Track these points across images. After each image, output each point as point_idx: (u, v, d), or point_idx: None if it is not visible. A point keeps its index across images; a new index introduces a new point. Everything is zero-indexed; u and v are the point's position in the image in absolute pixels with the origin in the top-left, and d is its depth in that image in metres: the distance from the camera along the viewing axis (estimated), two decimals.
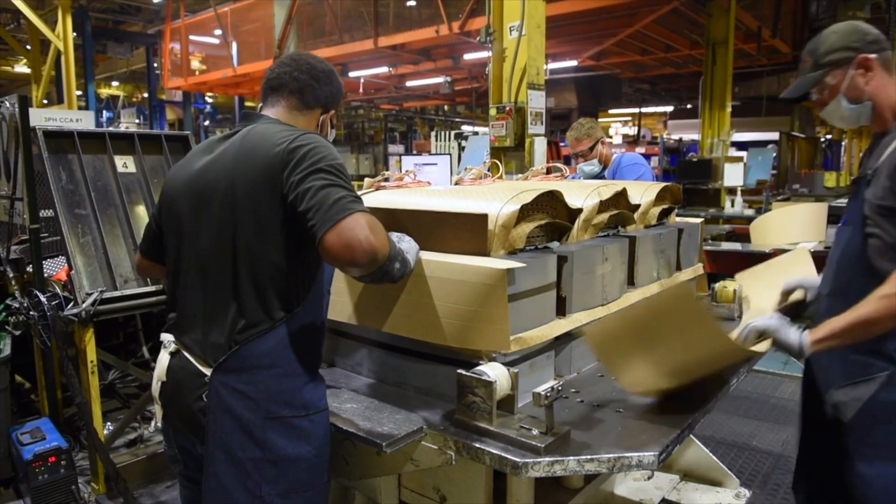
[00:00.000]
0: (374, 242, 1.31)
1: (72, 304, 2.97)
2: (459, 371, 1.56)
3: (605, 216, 2.18)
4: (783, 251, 5.43)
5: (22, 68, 16.15)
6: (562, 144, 11.83)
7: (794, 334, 1.67)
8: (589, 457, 1.43)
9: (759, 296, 2.27)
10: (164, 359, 1.59)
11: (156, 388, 1.61)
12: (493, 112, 4.79)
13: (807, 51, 1.77)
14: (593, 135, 3.45)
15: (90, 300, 2.94)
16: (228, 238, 1.45)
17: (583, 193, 2.14)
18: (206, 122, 21.11)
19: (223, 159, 1.50)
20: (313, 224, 1.33)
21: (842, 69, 1.69)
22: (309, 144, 1.42)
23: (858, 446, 1.71)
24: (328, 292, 1.64)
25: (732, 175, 8.16)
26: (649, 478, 3.13)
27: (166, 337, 1.61)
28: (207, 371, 1.47)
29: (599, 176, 3.51)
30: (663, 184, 2.66)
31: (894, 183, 1.55)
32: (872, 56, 1.65)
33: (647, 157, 10.41)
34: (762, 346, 1.74)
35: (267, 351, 1.45)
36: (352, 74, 11.05)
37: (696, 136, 9.81)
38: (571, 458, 1.43)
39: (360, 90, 12.99)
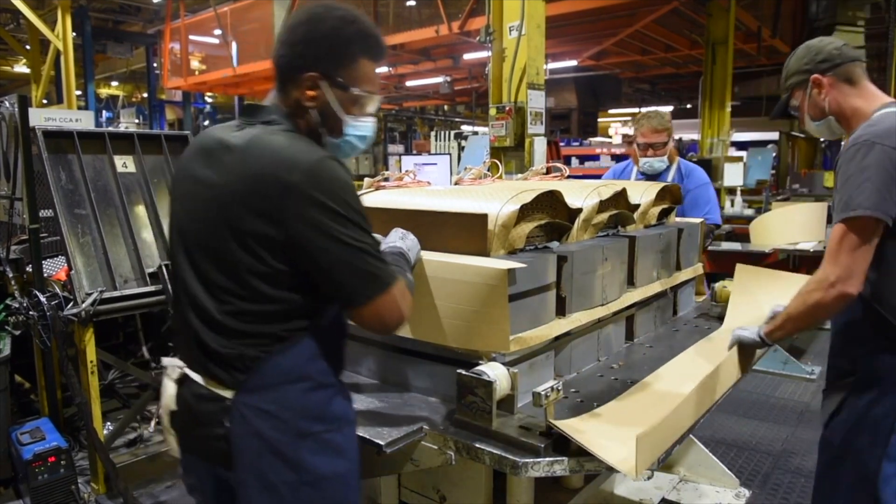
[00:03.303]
0: (405, 315, 1.34)
1: (71, 304, 2.97)
2: (459, 371, 1.56)
3: (604, 216, 2.18)
4: (783, 251, 5.42)
5: (21, 68, 16.15)
6: (562, 144, 11.80)
7: (750, 331, 1.87)
8: (589, 457, 1.43)
9: (745, 301, 2.34)
10: (170, 387, 1.42)
11: (166, 419, 1.45)
12: (492, 112, 4.79)
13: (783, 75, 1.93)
14: (671, 129, 3.22)
15: (90, 300, 2.94)
16: (236, 264, 1.29)
17: (582, 193, 2.14)
18: (206, 122, 21.11)
19: (224, 177, 1.31)
20: (343, 296, 1.30)
21: (801, 90, 1.84)
22: (320, 185, 1.23)
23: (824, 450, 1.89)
24: None
25: (732, 175, 8.14)
26: (649, 478, 3.13)
27: (170, 362, 1.45)
28: (227, 394, 1.33)
29: (662, 175, 3.30)
30: (663, 184, 2.66)
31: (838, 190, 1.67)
32: (823, 75, 1.78)
33: None
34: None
35: (293, 365, 1.33)
36: None
37: (695, 136, 9.80)
38: (571, 458, 1.43)
39: None
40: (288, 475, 1.32)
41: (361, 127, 1.43)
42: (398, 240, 1.61)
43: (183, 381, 1.41)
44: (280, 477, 1.32)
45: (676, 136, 12.78)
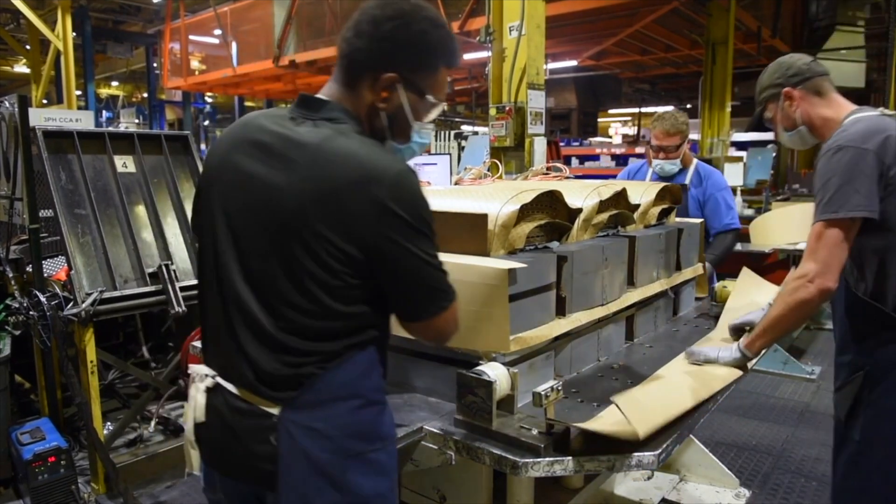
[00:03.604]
0: (459, 326, 1.34)
1: (71, 304, 2.97)
2: (459, 371, 1.56)
3: (604, 216, 2.18)
4: (783, 251, 5.42)
5: (21, 68, 16.17)
6: (562, 144, 11.78)
7: (729, 351, 1.90)
8: (589, 457, 1.43)
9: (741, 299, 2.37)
10: (199, 398, 1.32)
11: (190, 429, 1.35)
12: (492, 112, 4.79)
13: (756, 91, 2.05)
14: (685, 132, 3.14)
15: (90, 300, 2.94)
16: (303, 276, 1.20)
17: (582, 193, 2.14)
18: (206, 122, 21.12)
19: (292, 180, 1.20)
20: (409, 310, 1.28)
21: (774, 103, 1.97)
22: (401, 199, 1.17)
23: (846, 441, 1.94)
24: None
25: (732, 175, 8.13)
26: (649, 478, 3.13)
27: (198, 369, 1.35)
28: (273, 410, 1.24)
29: (679, 177, 3.21)
30: (663, 184, 2.66)
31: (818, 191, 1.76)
32: (794, 88, 1.91)
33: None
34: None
35: (346, 381, 1.25)
36: None
37: (695, 136, 9.81)
38: (571, 458, 1.43)
39: None
40: (333, 497, 1.26)
41: (425, 134, 1.38)
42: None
43: (213, 390, 1.31)
44: (325, 499, 1.25)
45: None
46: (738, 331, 2.09)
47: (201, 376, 1.33)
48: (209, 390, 1.31)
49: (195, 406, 1.32)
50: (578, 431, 1.50)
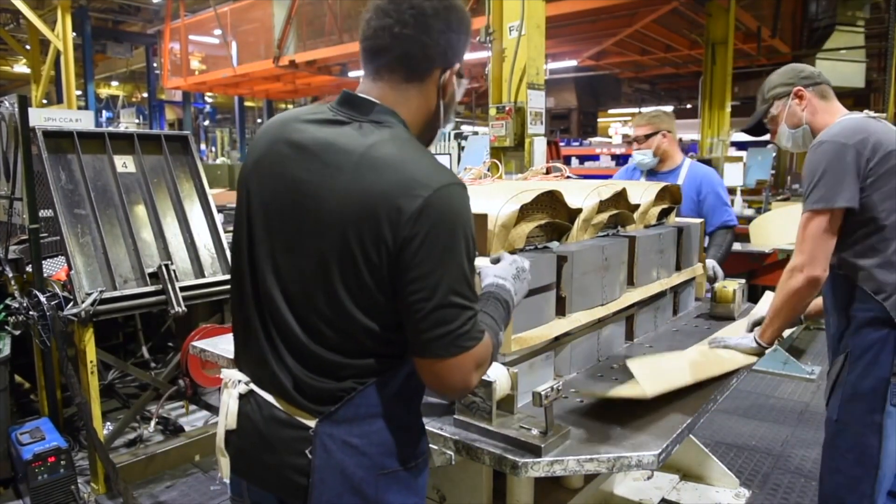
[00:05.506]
0: (470, 385, 1.19)
1: (71, 304, 2.97)
2: None
3: (604, 216, 2.18)
4: (783, 251, 5.43)
5: (21, 68, 16.18)
6: (562, 144, 11.78)
7: (746, 339, 2.06)
8: (588, 457, 1.43)
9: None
10: (231, 405, 1.28)
11: (221, 436, 1.31)
12: (492, 112, 4.78)
13: (759, 93, 2.20)
14: (654, 123, 3.28)
15: (90, 300, 2.94)
16: (338, 292, 1.16)
17: (582, 193, 2.14)
18: (206, 122, 21.12)
19: (336, 190, 1.14)
20: (416, 344, 1.16)
21: (782, 101, 2.10)
22: (443, 220, 1.11)
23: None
24: None
25: (732, 175, 8.14)
26: (649, 478, 3.13)
27: (232, 375, 1.30)
28: (310, 422, 1.20)
29: (673, 173, 3.29)
30: (663, 184, 2.66)
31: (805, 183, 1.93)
32: (804, 89, 2.05)
33: None
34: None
35: (387, 398, 1.22)
36: (351, 74, 11.06)
37: (695, 136, 9.80)
38: (571, 458, 1.43)
39: None
40: None
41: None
42: (510, 277, 1.41)
43: (245, 396, 1.28)
44: None
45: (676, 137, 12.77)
46: (755, 325, 2.21)
47: (234, 381, 1.28)
48: (241, 397, 1.28)
49: (227, 412, 1.28)
50: (592, 400, 1.62)
